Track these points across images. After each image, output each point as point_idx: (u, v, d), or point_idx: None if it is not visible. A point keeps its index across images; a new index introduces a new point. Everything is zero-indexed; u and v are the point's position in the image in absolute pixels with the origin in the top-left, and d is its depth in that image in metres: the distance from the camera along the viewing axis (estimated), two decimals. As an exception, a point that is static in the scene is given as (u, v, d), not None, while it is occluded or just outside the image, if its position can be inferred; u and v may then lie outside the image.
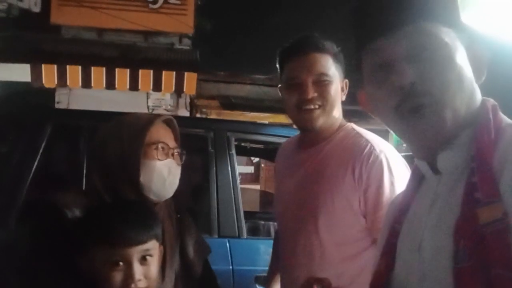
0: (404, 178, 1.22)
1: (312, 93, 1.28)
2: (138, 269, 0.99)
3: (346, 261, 1.28)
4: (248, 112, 7.63)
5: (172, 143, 1.23)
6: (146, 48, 5.80)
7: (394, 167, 1.26)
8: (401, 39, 0.67)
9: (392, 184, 1.22)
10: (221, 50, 5.89)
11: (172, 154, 1.22)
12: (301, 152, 1.42)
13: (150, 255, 1.02)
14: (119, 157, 1.16)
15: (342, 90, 1.36)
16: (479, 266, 0.55)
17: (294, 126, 1.51)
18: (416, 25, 0.66)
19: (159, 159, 1.18)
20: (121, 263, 0.98)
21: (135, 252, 0.99)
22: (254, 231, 3.08)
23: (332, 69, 1.31)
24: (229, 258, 2.20)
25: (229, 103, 7.55)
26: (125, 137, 1.18)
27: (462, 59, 0.67)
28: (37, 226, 1.08)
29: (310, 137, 1.39)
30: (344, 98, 1.37)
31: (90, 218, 1.04)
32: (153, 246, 1.03)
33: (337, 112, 1.36)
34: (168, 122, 1.26)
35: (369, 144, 1.27)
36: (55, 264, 1.01)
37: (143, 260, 1.01)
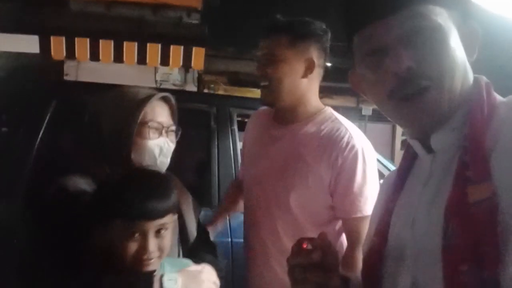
0: (375, 167, 1.36)
1: (259, 71, 1.36)
2: (152, 242, 1.02)
3: (315, 228, 1.35)
4: (256, 89, 7.58)
5: (167, 120, 1.23)
6: (154, 22, 5.75)
7: (368, 157, 1.34)
8: (395, 23, 0.66)
9: (364, 172, 1.31)
10: (230, 25, 5.80)
11: (166, 132, 1.23)
12: (275, 127, 1.48)
13: (166, 229, 1.05)
14: (112, 134, 1.16)
15: (309, 68, 1.38)
16: (467, 243, 0.57)
17: None
18: (410, 9, 0.66)
19: (151, 139, 1.18)
20: (137, 235, 1.01)
21: (152, 225, 1.02)
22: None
23: (284, 49, 1.37)
24: (228, 230, 2.25)
25: (237, 79, 7.52)
26: (119, 114, 1.17)
27: (455, 40, 0.67)
28: (47, 213, 1.09)
29: (285, 115, 1.45)
30: (310, 75, 1.39)
31: (109, 189, 1.06)
32: (169, 220, 1.06)
33: (295, 89, 1.40)
34: (165, 99, 1.25)
35: (348, 133, 1.34)
36: (62, 253, 1.02)
37: (158, 233, 1.04)
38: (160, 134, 1.21)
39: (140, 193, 1.02)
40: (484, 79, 0.71)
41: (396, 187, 0.79)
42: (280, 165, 1.41)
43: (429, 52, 0.66)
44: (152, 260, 1.03)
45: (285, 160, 1.40)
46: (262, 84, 1.39)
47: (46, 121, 2.26)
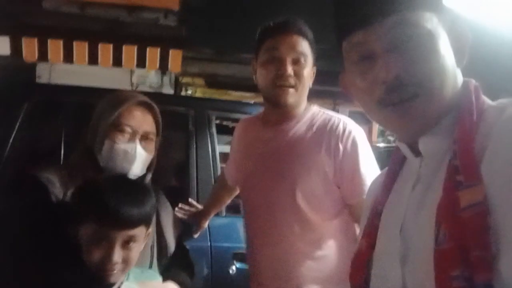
0: (370, 151, 1.39)
1: (290, 70, 1.35)
2: (118, 253, 1.00)
3: (325, 222, 1.36)
4: (234, 91, 7.57)
5: (144, 127, 1.22)
6: (130, 23, 5.67)
7: (365, 139, 1.40)
8: (384, 30, 0.66)
9: (365, 153, 1.36)
10: (208, 27, 5.77)
11: (144, 139, 1.21)
12: (266, 129, 1.47)
13: (135, 241, 1.03)
14: (89, 134, 1.20)
15: (310, 76, 1.44)
16: (458, 248, 0.56)
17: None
18: (399, 16, 0.66)
19: (117, 142, 1.17)
20: (103, 242, 0.99)
21: (120, 235, 1.00)
22: (233, 209, 3.11)
23: (308, 54, 1.39)
24: (208, 235, 2.23)
25: (214, 82, 7.47)
26: (99, 114, 1.20)
27: (444, 45, 0.67)
28: (25, 202, 1.08)
29: (277, 116, 1.45)
30: (311, 84, 1.44)
31: (86, 191, 1.05)
32: (139, 233, 1.04)
33: (306, 95, 1.43)
34: (149, 107, 1.24)
35: (342, 121, 1.38)
36: (44, 240, 1.02)
37: (126, 244, 1.01)
38: (131, 139, 1.18)
39: (113, 201, 0.99)
40: (473, 82, 0.71)
41: (384, 189, 0.79)
42: (277, 166, 1.41)
43: (418, 60, 0.65)
44: (115, 272, 1.01)
45: (282, 160, 1.40)
46: (288, 84, 1.38)
47: (19, 122, 2.21)
